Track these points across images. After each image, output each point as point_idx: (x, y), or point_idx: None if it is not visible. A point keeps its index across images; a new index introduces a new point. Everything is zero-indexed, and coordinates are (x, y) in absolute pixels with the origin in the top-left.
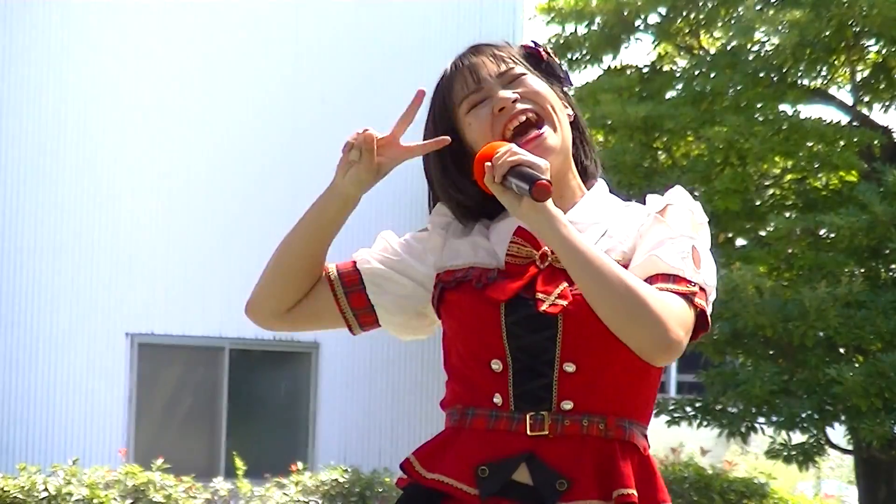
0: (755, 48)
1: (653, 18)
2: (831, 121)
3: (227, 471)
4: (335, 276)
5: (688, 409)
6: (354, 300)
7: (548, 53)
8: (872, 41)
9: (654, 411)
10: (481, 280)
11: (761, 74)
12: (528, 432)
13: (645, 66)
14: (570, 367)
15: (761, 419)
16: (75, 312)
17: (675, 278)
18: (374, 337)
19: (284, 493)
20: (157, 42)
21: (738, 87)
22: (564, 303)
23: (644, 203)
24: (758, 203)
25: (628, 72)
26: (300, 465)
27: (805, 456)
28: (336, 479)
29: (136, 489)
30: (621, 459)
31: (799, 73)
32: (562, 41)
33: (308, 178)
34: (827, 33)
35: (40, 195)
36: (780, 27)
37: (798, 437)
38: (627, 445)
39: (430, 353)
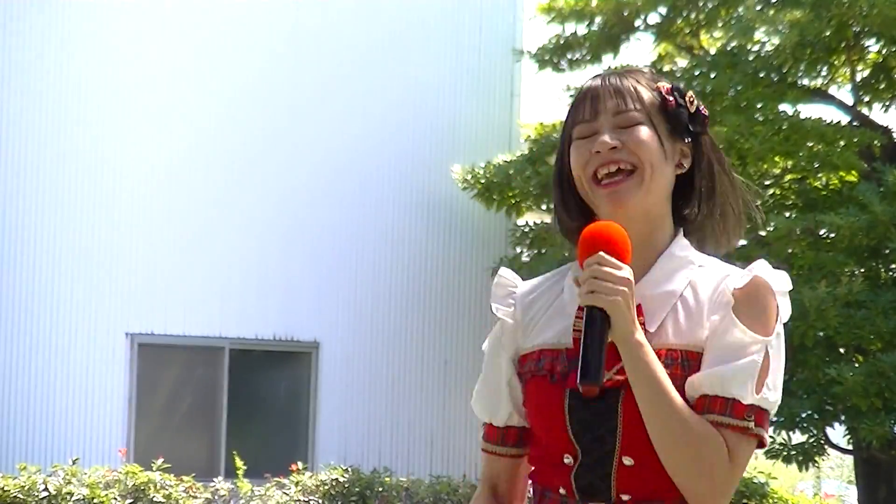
0: (755, 48)
1: (653, 18)
2: (831, 121)
3: (227, 471)
4: (519, 450)
5: None
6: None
7: (677, 101)
8: (872, 41)
9: None
10: (552, 370)
11: (761, 74)
12: None
13: (645, 65)
14: (628, 461)
15: None
16: (75, 312)
17: (734, 405)
18: (374, 337)
19: (284, 493)
20: (160, 44)
21: (739, 87)
22: (620, 379)
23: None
24: (758, 203)
25: None
26: (300, 464)
27: (805, 456)
28: (336, 479)
29: (136, 489)
30: None
31: (799, 73)
32: (562, 41)
33: (307, 177)
34: (827, 33)
35: (41, 196)
36: (780, 27)
37: (798, 437)
38: None
39: (431, 354)
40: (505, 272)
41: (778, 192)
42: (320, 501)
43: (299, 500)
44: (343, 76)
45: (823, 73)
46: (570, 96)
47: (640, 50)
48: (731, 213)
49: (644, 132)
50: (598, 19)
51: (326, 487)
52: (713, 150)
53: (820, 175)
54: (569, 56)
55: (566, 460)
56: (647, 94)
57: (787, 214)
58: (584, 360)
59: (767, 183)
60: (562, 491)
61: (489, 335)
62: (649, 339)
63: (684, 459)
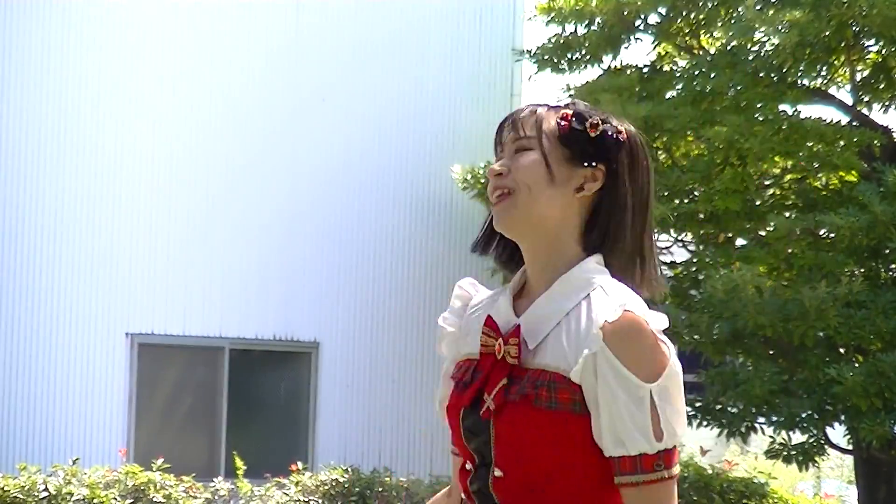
0: (755, 48)
1: (653, 18)
2: (831, 121)
3: (227, 471)
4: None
5: (688, 408)
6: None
7: (572, 127)
8: (872, 41)
9: None
10: (462, 380)
11: (761, 74)
12: None
13: (645, 66)
14: (497, 472)
15: (761, 419)
16: (75, 312)
17: (642, 460)
18: (374, 336)
19: (284, 493)
20: (163, 46)
21: (738, 87)
22: (493, 407)
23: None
24: (758, 203)
25: (628, 72)
26: (300, 464)
27: (805, 456)
28: (336, 479)
29: (136, 489)
30: None
31: (799, 73)
32: (562, 41)
33: (307, 177)
34: (827, 33)
35: (40, 196)
36: (779, 27)
37: (798, 437)
38: None
39: (431, 354)
40: (463, 282)
41: (778, 192)
42: (320, 501)
43: (299, 501)
44: (343, 77)
45: (823, 73)
46: (570, 96)
47: (640, 50)
48: (638, 250)
49: (527, 157)
50: (597, 19)
51: (326, 487)
52: (632, 181)
53: (820, 175)
54: (568, 56)
55: (468, 466)
56: (548, 123)
57: (787, 214)
58: None
59: (767, 183)
60: (463, 496)
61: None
62: (527, 355)
63: None
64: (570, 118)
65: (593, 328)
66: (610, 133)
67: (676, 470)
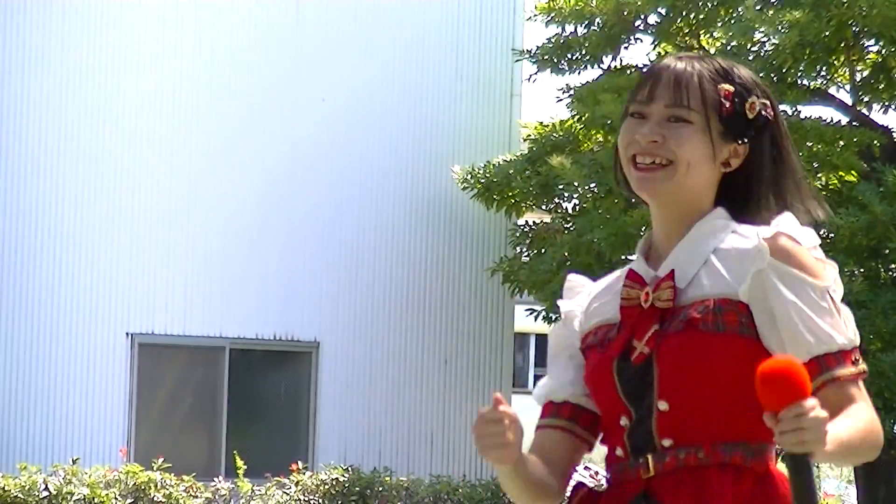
0: (755, 48)
1: (653, 18)
2: (831, 121)
3: (227, 470)
4: (570, 425)
5: None
6: (582, 421)
7: (735, 108)
8: (872, 41)
9: None
10: (603, 341)
11: (761, 74)
12: (643, 475)
13: (645, 66)
14: (663, 406)
15: None
16: (76, 312)
17: (842, 355)
18: (374, 336)
19: (285, 493)
20: (160, 43)
21: None
22: (647, 351)
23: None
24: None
25: (628, 72)
26: (300, 464)
27: None
28: (336, 479)
29: (136, 488)
30: (717, 482)
31: (799, 73)
32: (561, 41)
33: (307, 177)
34: (827, 33)
35: (41, 195)
36: (779, 27)
37: None
38: (728, 468)
39: (431, 354)
40: (573, 276)
41: None
42: (320, 501)
43: (299, 500)
44: (343, 77)
45: (823, 74)
46: (569, 96)
47: (639, 50)
48: (781, 201)
49: (690, 132)
50: (597, 19)
51: (327, 487)
52: (774, 149)
53: (819, 175)
54: (568, 56)
55: (622, 422)
56: (708, 93)
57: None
58: (804, 501)
59: None
60: (618, 453)
61: (551, 330)
62: (681, 295)
63: (870, 456)
64: (731, 97)
65: (755, 248)
66: (763, 112)
67: (866, 372)
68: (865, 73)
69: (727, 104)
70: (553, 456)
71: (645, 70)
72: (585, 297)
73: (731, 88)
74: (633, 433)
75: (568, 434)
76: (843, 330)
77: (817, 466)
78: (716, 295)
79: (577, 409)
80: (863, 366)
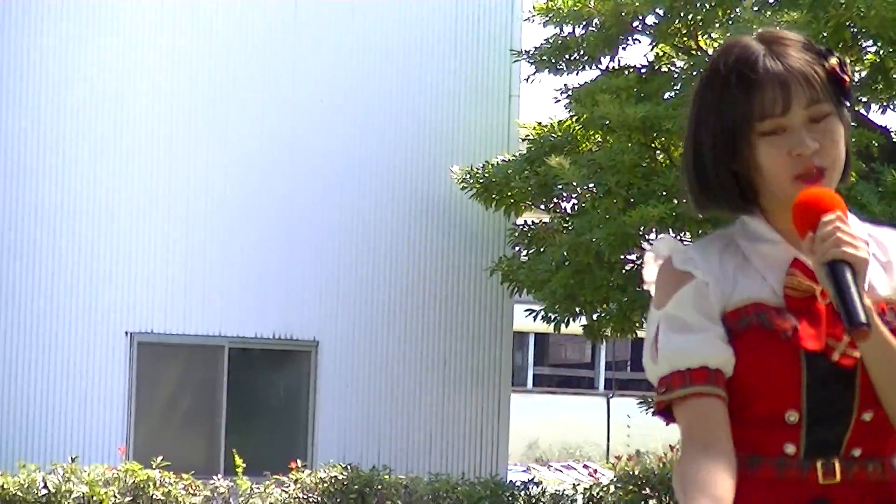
0: None
1: (650, 19)
2: None
3: (226, 468)
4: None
5: None
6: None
7: (849, 80)
8: (870, 42)
9: (653, 409)
10: (767, 324)
11: None
12: (821, 480)
13: (643, 66)
14: (867, 416)
15: None
16: (75, 311)
17: None
18: (373, 335)
19: (284, 491)
20: (158, 45)
21: None
22: (857, 354)
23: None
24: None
25: (626, 72)
26: (299, 462)
27: None
28: (335, 477)
29: (135, 486)
30: None
31: None
32: (560, 42)
33: (306, 177)
34: (825, 34)
35: (40, 195)
36: (777, 27)
37: None
38: None
39: (430, 353)
40: (665, 238)
41: None
42: (319, 499)
43: (298, 498)
44: (341, 77)
45: None
46: (567, 97)
47: (638, 51)
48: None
49: (836, 128)
50: (595, 20)
51: (325, 485)
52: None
53: None
54: (566, 57)
55: (790, 418)
56: (823, 76)
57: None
58: (849, 308)
59: None
60: (788, 450)
61: (680, 295)
62: None
63: None
64: (843, 70)
65: None
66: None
67: None
68: (864, 74)
69: (845, 78)
70: (724, 434)
71: (737, 74)
72: (713, 267)
73: (837, 61)
74: (814, 433)
75: (724, 406)
76: None
77: None
78: (887, 298)
79: (725, 380)
80: None
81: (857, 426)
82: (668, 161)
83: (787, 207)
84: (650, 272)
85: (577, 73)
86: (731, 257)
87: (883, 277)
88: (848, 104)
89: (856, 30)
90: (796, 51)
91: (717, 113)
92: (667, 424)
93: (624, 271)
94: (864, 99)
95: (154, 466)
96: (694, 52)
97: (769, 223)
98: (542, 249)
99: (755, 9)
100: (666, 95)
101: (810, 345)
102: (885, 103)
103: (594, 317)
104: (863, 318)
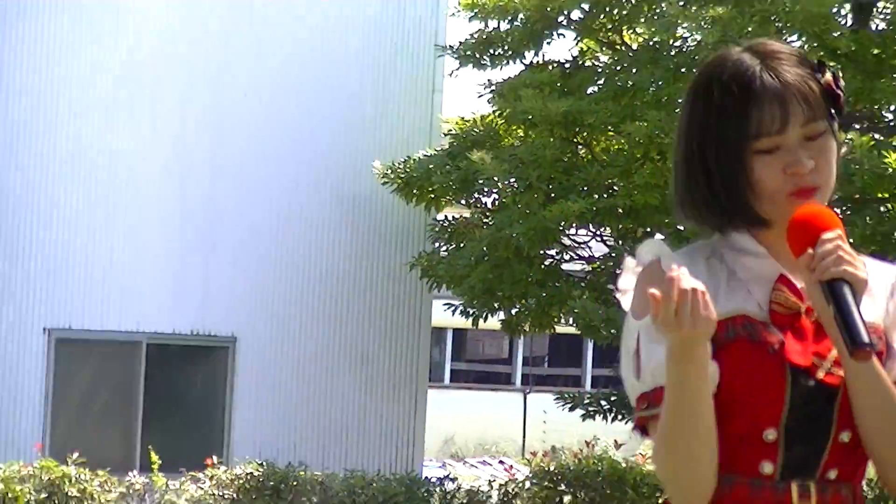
0: (677, 44)
1: (575, 14)
2: None
3: (142, 465)
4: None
5: (603, 402)
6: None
7: (842, 95)
8: (795, 37)
9: (570, 405)
10: (766, 340)
11: (683, 70)
12: (796, 502)
13: (567, 61)
14: (845, 437)
15: None
16: None
17: None
18: (291, 331)
19: (199, 487)
20: (80, 41)
21: (660, 83)
22: (842, 373)
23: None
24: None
25: (550, 67)
26: (215, 459)
27: None
28: (251, 473)
29: (51, 483)
30: None
31: None
32: (484, 37)
33: (229, 174)
34: (749, 29)
35: None
36: (702, 23)
37: None
38: None
39: (349, 347)
40: (652, 241)
41: None
42: (235, 496)
43: (214, 495)
44: (265, 72)
45: None
46: (491, 92)
47: (562, 46)
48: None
49: (830, 146)
50: (520, 15)
51: (241, 481)
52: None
53: None
54: (491, 52)
55: (768, 436)
56: (819, 93)
57: None
58: (852, 328)
59: None
60: (765, 470)
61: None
62: None
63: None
64: (837, 85)
65: (892, 274)
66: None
67: None
68: None
69: (839, 94)
70: None
71: (734, 90)
72: (700, 275)
73: (831, 76)
74: (792, 452)
75: None
76: None
77: None
78: (871, 323)
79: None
80: None
81: (835, 447)
82: (589, 156)
83: (776, 224)
84: (627, 280)
85: (500, 68)
86: (717, 266)
87: (865, 302)
88: (840, 119)
89: (781, 25)
90: (792, 65)
91: (712, 129)
92: (643, 438)
93: (543, 266)
94: None
95: (70, 463)
96: (618, 48)
97: (755, 238)
98: (462, 244)
99: (680, 4)
100: (589, 90)
101: (797, 360)
102: None
103: (513, 312)
104: (867, 338)
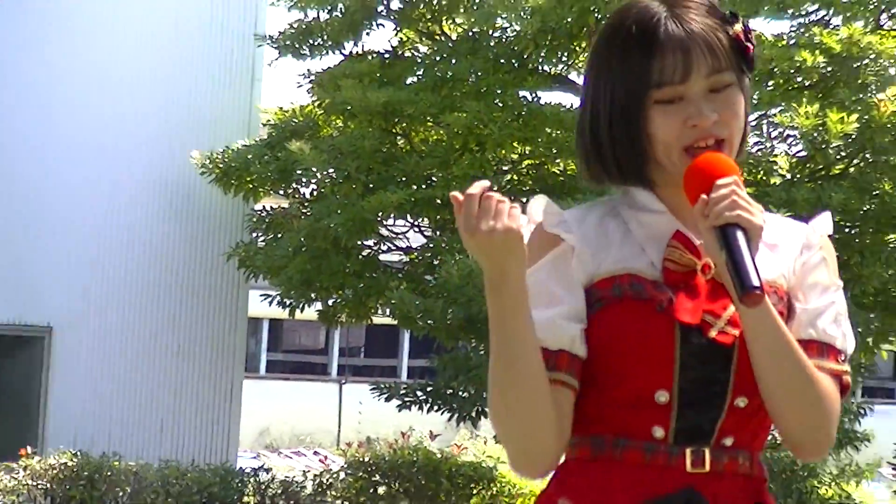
0: (497, 34)
1: (395, 4)
2: (571, 107)
3: None
4: (569, 379)
5: (419, 393)
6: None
7: (752, 47)
8: None
9: (385, 395)
10: (655, 297)
11: (502, 60)
12: (689, 468)
13: (386, 51)
14: (741, 402)
15: None
16: None
17: (829, 350)
18: (107, 319)
19: (13, 478)
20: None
21: (479, 73)
22: (737, 332)
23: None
24: (495, 189)
25: (369, 58)
26: (30, 449)
27: None
28: (65, 464)
29: None
30: (768, 498)
31: (540, 60)
32: (304, 27)
33: (43, 162)
34: (569, 19)
35: None
36: (522, 13)
37: None
38: (764, 482)
39: (165, 337)
40: (541, 198)
41: (516, 177)
42: (49, 486)
43: (28, 485)
44: (76, 56)
45: (564, 59)
46: (310, 82)
47: (381, 36)
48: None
49: (737, 98)
50: (340, 5)
51: (55, 472)
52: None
53: (558, 161)
54: (310, 42)
55: (660, 398)
56: (727, 44)
57: (524, 200)
58: (742, 272)
59: (505, 168)
60: (657, 434)
61: (545, 261)
62: None
63: (807, 410)
64: (747, 36)
65: (814, 241)
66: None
67: (849, 384)
68: None
69: (750, 47)
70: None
71: (636, 36)
72: (588, 231)
73: (742, 28)
74: (685, 416)
75: (569, 392)
76: (842, 334)
77: None
78: (772, 281)
79: (572, 359)
80: (847, 378)
81: (731, 413)
82: (408, 147)
83: (674, 180)
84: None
85: (320, 58)
86: (611, 224)
87: (770, 260)
88: (750, 73)
89: (600, 15)
90: (699, 14)
91: (614, 77)
92: None
93: (361, 257)
94: None
95: None
96: (438, 38)
97: (656, 195)
98: (280, 235)
99: None
100: (408, 81)
101: (686, 317)
102: None
103: (330, 302)
104: (756, 281)
